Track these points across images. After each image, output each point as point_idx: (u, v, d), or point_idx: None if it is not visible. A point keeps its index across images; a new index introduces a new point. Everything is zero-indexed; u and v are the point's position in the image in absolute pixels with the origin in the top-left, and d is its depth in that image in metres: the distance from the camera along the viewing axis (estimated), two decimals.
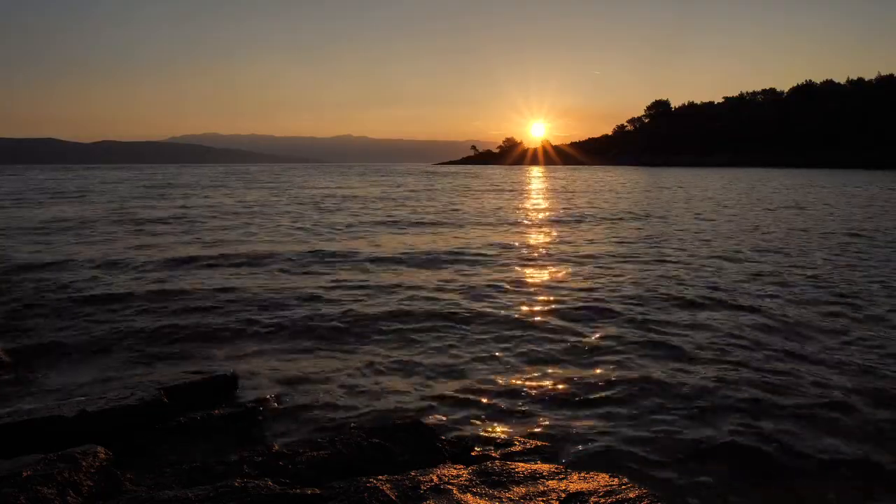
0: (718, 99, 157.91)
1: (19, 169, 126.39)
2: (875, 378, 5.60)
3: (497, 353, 6.35)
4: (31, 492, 2.92)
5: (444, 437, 4.25)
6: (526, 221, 20.03)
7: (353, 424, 4.64)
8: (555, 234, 16.63)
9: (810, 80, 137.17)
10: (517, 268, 11.27)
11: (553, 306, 8.21)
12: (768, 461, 4.18)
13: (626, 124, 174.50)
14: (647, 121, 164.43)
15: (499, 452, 4.13)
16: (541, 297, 8.75)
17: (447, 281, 9.94)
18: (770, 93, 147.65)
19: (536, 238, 15.82)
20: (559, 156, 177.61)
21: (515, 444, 4.26)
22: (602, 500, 3.01)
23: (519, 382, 5.56)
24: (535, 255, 12.99)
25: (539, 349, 6.48)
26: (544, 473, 3.34)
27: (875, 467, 4.10)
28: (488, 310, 8.07)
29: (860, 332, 7.02)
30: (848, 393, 5.24)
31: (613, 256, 12.51)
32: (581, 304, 8.33)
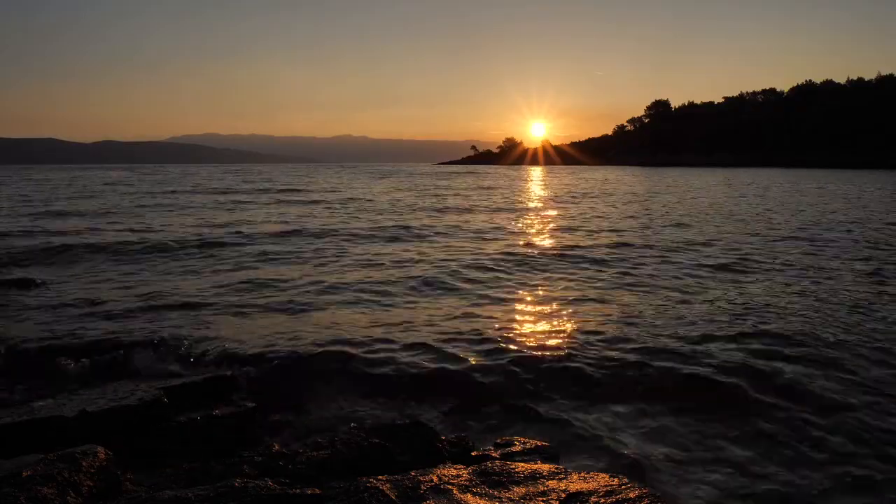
0: (718, 99, 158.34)
1: (16, 169, 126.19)
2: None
3: (498, 354, 6.34)
4: (31, 492, 2.92)
5: (444, 437, 4.25)
6: None
7: (353, 424, 4.63)
8: None
9: (810, 80, 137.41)
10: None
11: (557, 300, 8.22)
12: None
13: (626, 124, 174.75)
14: (647, 121, 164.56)
15: (499, 452, 4.13)
16: (545, 293, 8.76)
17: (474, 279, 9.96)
18: (770, 93, 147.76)
19: None
20: (559, 156, 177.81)
21: (515, 444, 4.26)
22: (602, 500, 3.02)
23: (520, 383, 5.56)
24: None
25: (541, 350, 6.48)
26: (544, 473, 3.35)
27: None
28: (491, 313, 8.07)
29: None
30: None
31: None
32: (582, 304, 8.33)
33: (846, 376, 5.52)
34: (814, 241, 14.15)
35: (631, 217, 20.34)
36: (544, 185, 48.76)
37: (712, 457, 4.26)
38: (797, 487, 3.89)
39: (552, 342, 6.64)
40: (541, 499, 3.07)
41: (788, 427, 4.64)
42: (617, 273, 10.48)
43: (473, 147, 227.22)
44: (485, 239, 15.40)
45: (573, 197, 32.01)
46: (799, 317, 7.34)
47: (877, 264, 11.06)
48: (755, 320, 7.23)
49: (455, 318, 7.68)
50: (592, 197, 31.57)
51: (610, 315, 7.69)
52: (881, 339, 6.54)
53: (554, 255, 12.48)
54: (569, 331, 7.06)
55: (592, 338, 6.72)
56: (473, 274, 10.43)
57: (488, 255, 12.46)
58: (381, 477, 3.23)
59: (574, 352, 6.28)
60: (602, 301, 8.46)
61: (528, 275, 10.47)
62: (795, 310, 7.69)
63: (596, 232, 16.40)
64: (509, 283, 9.73)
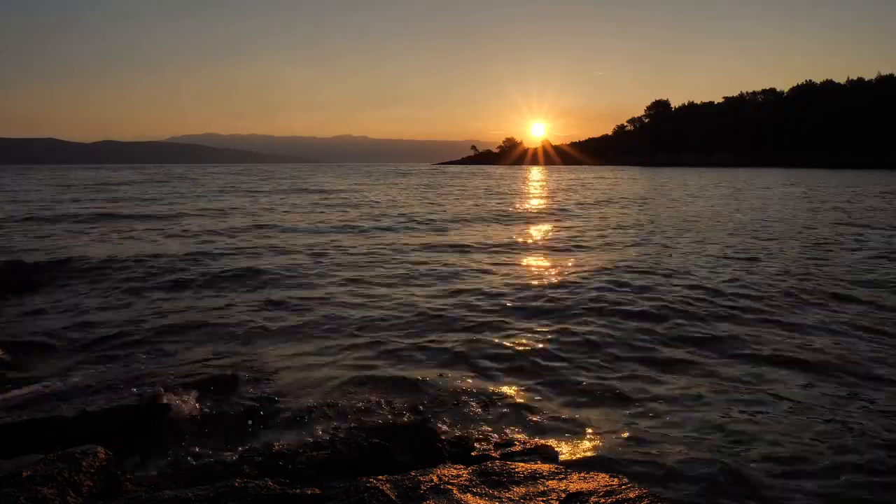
0: (718, 99, 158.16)
1: (17, 169, 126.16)
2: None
3: (499, 354, 6.34)
4: (31, 492, 2.92)
5: (444, 437, 4.25)
6: None
7: (353, 424, 4.63)
8: None
9: (810, 80, 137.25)
10: (520, 261, 11.28)
11: (559, 301, 8.21)
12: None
13: (626, 124, 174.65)
14: (647, 121, 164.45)
15: (499, 452, 4.13)
16: (547, 290, 8.75)
17: (458, 279, 9.95)
18: (770, 93, 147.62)
19: None
20: (559, 156, 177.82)
21: (515, 444, 4.26)
22: (602, 500, 3.01)
23: (520, 382, 5.56)
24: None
25: (541, 350, 6.48)
26: (544, 473, 3.34)
27: None
28: (491, 312, 8.07)
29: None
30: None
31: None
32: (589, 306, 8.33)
33: None
34: None
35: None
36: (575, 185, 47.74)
37: None
38: None
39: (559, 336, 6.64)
40: (541, 499, 3.07)
41: None
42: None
43: (473, 147, 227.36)
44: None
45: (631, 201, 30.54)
46: None
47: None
48: None
49: (462, 317, 7.68)
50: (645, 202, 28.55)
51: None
52: None
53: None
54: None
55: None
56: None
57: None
58: (381, 477, 3.22)
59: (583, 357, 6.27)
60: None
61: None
62: None
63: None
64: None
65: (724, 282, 9.62)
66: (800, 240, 14.74)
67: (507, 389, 5.40)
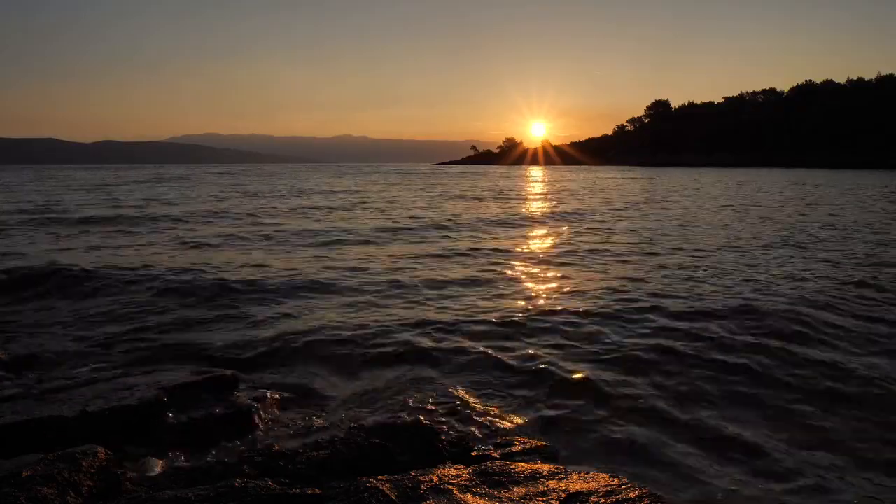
0: (718, 99, 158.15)
1: (17, 169, 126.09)
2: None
3: (499, 354, 6.34)
4: (31, 492, 2.92)
5: (444, 437, 4.25)
6: None
7: (353, 424, 4.63)
8: None
9: (810, 80, 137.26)
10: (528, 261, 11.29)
11: (564, 298, 8.21)
12: None
13: (626, 124, 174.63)
14: (647, 121, 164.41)
15: (499, 452, 4.12)
16: (548, 288, 8.75)
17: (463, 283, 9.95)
18: (770, 93, 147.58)
19: None
20: (559, 156, 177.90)
21: (515, 444, 4.26)
22: (602, 500, 3.02)
23: (520, 383, 5.56)
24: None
25: (541, 351, 6.48)
26: (544, 473, 3.34)
27: None
28: (490, 313, 8.07)
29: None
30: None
31: None
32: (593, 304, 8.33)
33: None
34: None
35: None
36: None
37: None
38: None
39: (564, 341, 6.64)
40: (541, 499, 3.07)
41: None
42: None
43: (473, 147, 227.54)
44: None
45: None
46: None
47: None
48: None
49: (465, 316, 7.68)
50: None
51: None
52: None
53: None
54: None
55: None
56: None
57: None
58: (381, 477, 3.22)
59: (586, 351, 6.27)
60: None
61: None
62: None
63: None
64: None
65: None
66: None
67: (508, 390, 5.40)
